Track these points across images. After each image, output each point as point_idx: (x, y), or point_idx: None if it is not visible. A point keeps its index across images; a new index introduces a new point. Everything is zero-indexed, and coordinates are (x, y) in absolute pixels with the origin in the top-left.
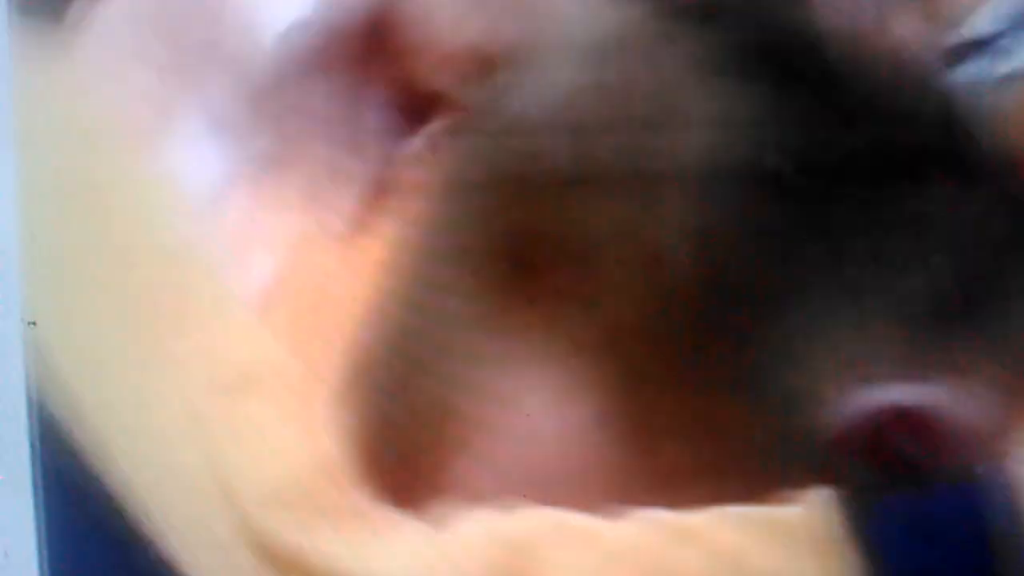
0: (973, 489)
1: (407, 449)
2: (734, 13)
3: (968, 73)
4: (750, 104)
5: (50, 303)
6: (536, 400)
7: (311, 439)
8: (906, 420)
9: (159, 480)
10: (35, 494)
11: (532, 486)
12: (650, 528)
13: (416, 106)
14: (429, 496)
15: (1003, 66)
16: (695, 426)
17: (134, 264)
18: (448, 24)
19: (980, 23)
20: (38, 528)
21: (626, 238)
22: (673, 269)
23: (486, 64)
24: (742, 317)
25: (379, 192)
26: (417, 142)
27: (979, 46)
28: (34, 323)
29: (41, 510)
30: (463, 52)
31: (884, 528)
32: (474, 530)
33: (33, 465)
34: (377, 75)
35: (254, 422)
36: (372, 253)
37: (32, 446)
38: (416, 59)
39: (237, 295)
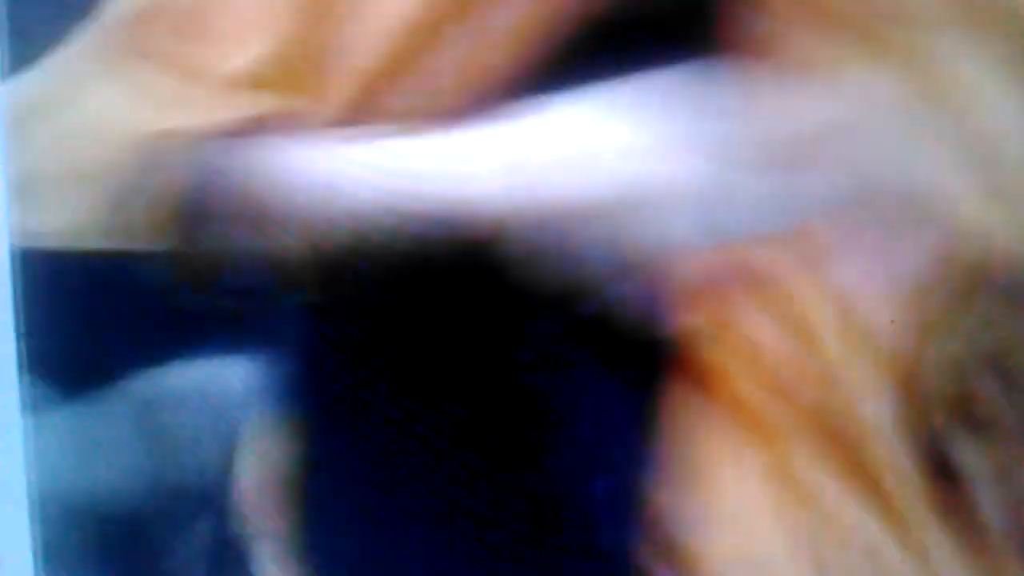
0: None
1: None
2: None
3: None
4: None
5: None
6: None
7: None
8: None
9: None
10: (31, 503)
11: None
12: None
13: None
14: None
15: None
16: None
17: None
18: None
19: None
20: (33, 537)
21: None
22: None
23: None
24: None
25: None
26: None
27: None
28: (27, 334)
29: (36, 519)
30: None
31: None
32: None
33: (28, 475)
34: None
35: None
36: None
37: (27, 455)
38: None
39: None
